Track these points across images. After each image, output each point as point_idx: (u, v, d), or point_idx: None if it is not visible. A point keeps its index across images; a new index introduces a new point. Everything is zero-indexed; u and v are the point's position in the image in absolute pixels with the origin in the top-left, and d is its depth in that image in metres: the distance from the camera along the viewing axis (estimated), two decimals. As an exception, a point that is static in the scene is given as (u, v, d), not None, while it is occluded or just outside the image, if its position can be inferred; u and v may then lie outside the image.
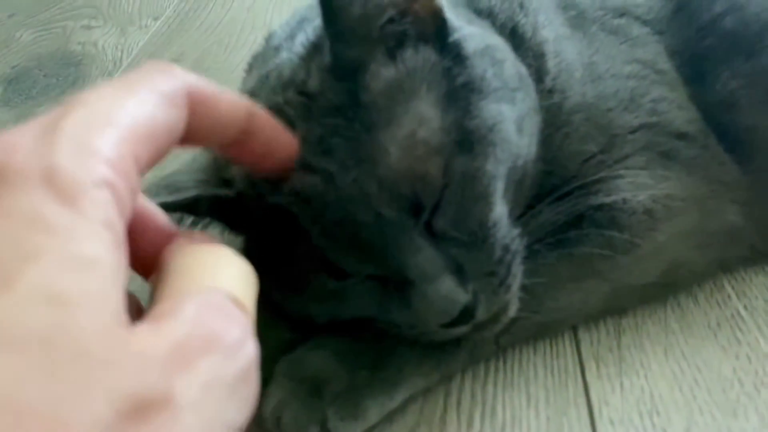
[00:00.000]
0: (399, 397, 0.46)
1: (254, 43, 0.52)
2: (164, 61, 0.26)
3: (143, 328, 0.19)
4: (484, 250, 0.41)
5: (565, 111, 0.48)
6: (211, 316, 0.21)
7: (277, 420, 0.43)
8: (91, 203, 0.19)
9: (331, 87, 0.40)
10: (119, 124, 0.22)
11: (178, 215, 0.41)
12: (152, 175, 0.33)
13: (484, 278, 0.41)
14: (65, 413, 0.16)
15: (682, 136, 0.49)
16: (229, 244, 0.48)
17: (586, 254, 0.47)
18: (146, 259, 0.26)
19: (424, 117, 0.40)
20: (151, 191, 0.39)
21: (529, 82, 0.46)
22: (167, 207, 0.34)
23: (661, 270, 0.49)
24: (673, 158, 0.49)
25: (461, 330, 0.42)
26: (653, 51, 0.52)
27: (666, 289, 0.51)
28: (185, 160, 0.46)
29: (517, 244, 0.42)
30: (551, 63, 0.49)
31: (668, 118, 0.50)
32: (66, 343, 0.17)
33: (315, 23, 0.43)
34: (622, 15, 0.53)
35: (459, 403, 0.47)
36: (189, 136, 0.26)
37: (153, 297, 0.23)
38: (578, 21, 0.52)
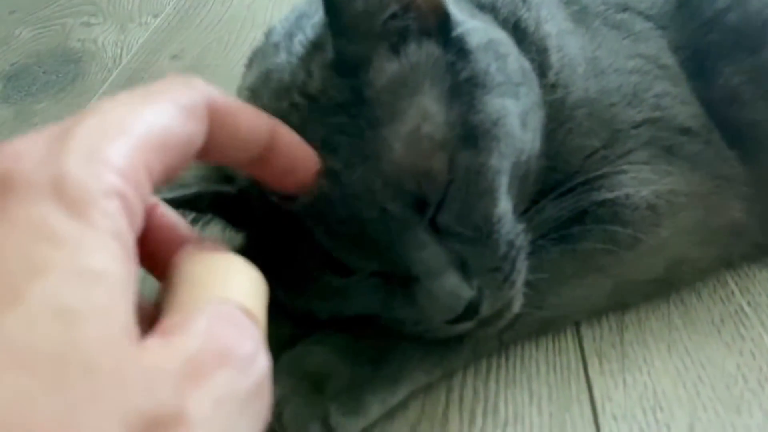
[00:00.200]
0: (401, 393, 0.46)
1: (254, 40, 0.52)
2: (188, 75, 0.25)
3: (154, 342, 0.19)
4: (488, 246, 0.40)
5: (568, 106, 0.48)
6: (223, 329, 0.21)
7: (279, 416, 0.43)
8: (100, 214, 0.19)
9: (333, 84, 0.39)
10: (132, 133, 0.21)
11: (179, 212, 0.41)
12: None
13: (489, 274, 0.40)
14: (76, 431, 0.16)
15: (685, 131, 0.49)
16: (230, 241, 0.48)
17: (589, 250, 0.47)
18: (163, 262, 0.25)
19: (428, 112, 0.39)
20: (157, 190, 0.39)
21: (533, 77, 0.46)
22: (168, 203, 0.33)
23: (664, 266, 0.49)
24: (676, 153, 0.49)
25: (466, 326, 0.42)
26: (656, 46, 0.52)
27: (669, 285, 0.51)
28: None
29: (522, 240, 0.42)
30: (554, 58, 0.49)
31: (671, 114, 0.49)
32: (75, 360, 0.16)
33: (314, 20, 0.43)
34: (624, 10, 0.53)
35: (461, 400, 0.47)
36: (208, 151, 0.25)
37: (163, 307, 0.23)
38: (581, 16, 0.52)
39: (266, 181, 0.31)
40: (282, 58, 0.43)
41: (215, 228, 0.46)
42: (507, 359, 0.49)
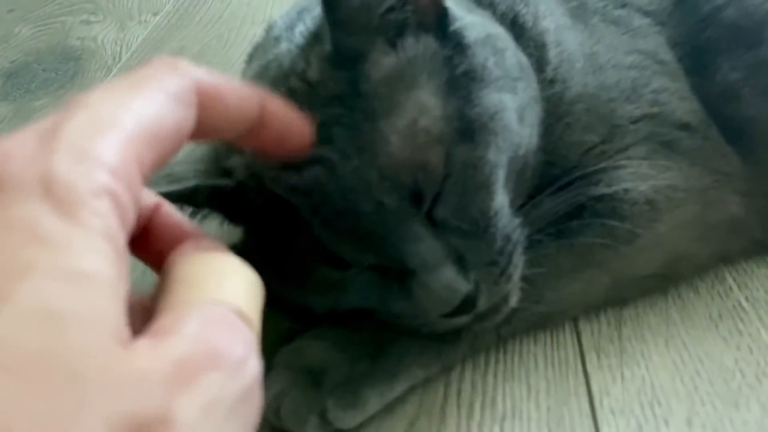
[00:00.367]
0: (399, 388, 0.46)
1: (254, 37, 0.52)
2: (171, 57, 0.25)
3: (143, 343, 0.19)
4: (485, 240, 0.40)
5: (566, 101, 0.48)
6: (213, 332, 0.20)
7: (277, 410, 0.43)
8: (90, 213, 0.19)
9: (331, 76, 0.39)
10: (122, 127, 0.21)
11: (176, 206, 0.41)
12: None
13: (485, 268, 0.40)
14: None
15: (683, 126, 0.49)
16: (228, 235, 0.48)
17: (587, 244, 0.47)
18: (162, 256, 0.25)
19: (425, 106, 0.39)
20: (150, 181, 0.39)
21: (530, 72, 0.46)
22: (166, 197, 0.33)
23: (662, 261, 0.49)
24: (674, 149, 0.49)
25: (462, 320, 0.42)
26: (654, 42, 0.52)
27: (667, 280, 0.51)
28: (184, 149, 0.46)
29: (518, 234, 0.42)
30: (552, 53, 0.49)
31: (670, 109, 0.49)
32: (60, 364, 0.16)
33: (314, 13, 0.43)
34: (623, 6, 0.53)
35: (459, 394, 0.47)
36: (199, 132, 0.25)
37: (156, 307, 0.22)
38: (579, 11, 0.52)
39: (259, 152, 0.32)
40: (283, 47, 0.43)
41: (213, 222, 0.46)
42: (505, 354, 0.49)
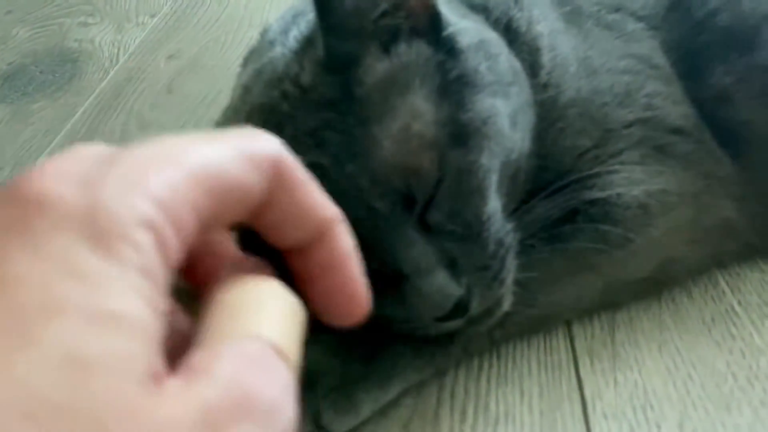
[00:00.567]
0: (393, 391, 0.46)
1: (251, 40, 0.52)
2: (262, 131, 0.22)
3: (174, 385, 0.18)
4: (477, 244, 0.41)
5: (559, 106, 0.48)
6: (248, 374, 0.19)
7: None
8: (130, 247, 0.17)
9: (324, 81, 0.40)
10: (182, 165, 0.19)
11: None
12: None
13: (478, 272, 0.41)
14: None
15: (676, 131, 0.49)
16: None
17: (580, 249, 0.47)
18: (205, 279, 0.23)
19: (418, 111, 0.40)
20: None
21: (524, 77, 0.47)
22: None
23: (656, 265, 0.49)
24: (667, 153, 0.49)
25: (455, 324, 0.42)
26: (648, 46, 0.52)
27: (660, 284, 0.51)
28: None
29: (511, 239, 0.42)
30: (546, 58, 0.49)
31: (663, 113, 0.50)
32: (84, 414, 0.15)
33: (309, 17, 0.43)
34: (617, 10, 0.53)
35: (453, 398, 0.47)
36: (262, 214, 0.22)
37: (194, 337, 0.21)
38: (573, 16, 0.52)
39: (302, 277, 0.25)
40: (277, 51, 0.43)
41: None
42: (499, 358, 0.49)
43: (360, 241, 0.38)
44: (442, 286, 0.39)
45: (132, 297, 0.17)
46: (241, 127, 0.22)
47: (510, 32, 0.49)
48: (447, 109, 0.40)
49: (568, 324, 0.51)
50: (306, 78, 0.40)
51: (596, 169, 0.48)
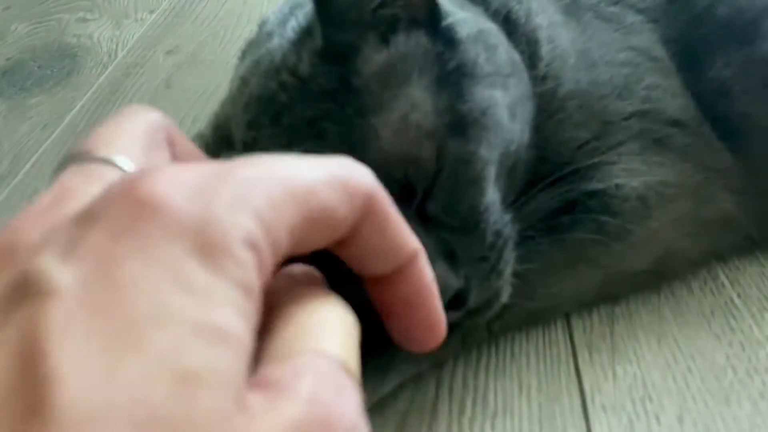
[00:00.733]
0: (390, 383, 0.46)
1: (250, 35, 0.52)
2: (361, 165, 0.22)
3: (259, 401, 0.17)
4: (475, 236, 0.40)
5: (558, 97, 0.48)
6: (327, 394, 0.19)
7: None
8: (234, 263, 0.17)
9: (322, 71, 0.40)
10: (285, 187, 0.20)
11: None
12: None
13: (476, 264, 0.40)
14: None
15: (675, 123, 0.49)
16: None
17: (578, 240, 0.47)
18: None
19: (417, 101, 0.39)
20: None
21: (522, 69, 0.46)
22: None
23: (654, 257, 0.49)
24: (666, 145, 0.49)
25: (453, 316, 0.41)
26: (647, 38, 0.52)
27: (659, 276, 0.51)
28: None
29: (509, 230, 0.42)
30: (545, 49, 0.49)
31: (662, 106, 0.49)
32: (186, 428, 0.15)
33: (306, 8, 0.43)
34: (616, 3, 0.53)
35: (451, 390, 0.47)
36: (345, 245, 0.22)
37: (261, 350, 0.20)
38: (572, 8, 0.52)
39: (381, 304, 0.26)
40: (275, 42, 0.43)
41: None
42: (497, 350, 0.49)
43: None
44: (440, 277, 0.38)
45: (233, 312, 0.17)
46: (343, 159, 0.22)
47: (509, 24, 0.49)
48: (445, 100, 0.40)
49: (567, 317, 0.51)
50: (304, 68, 0.40)
51: (595, 161, 0.48)
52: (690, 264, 0.51)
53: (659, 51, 0.52)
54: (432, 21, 0.42)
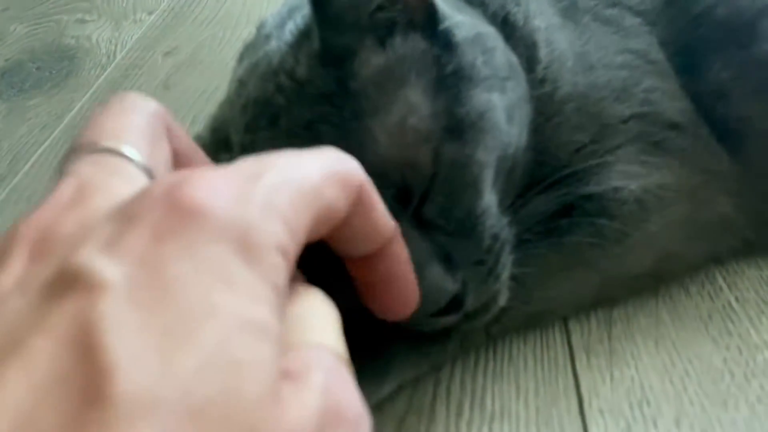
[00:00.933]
0: (388, 387, 0.46)
1: (249, 36, 0.52)
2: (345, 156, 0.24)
3: (287, 392, 0.18)
4: (472, 239, 0.40)
5: (556, 100, 0.48)
6: (335, 385, 0.20)
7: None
8: (269, 266, 0.19)
9: (319, 74, 0.40)
10: (303, 192, 0.21)
11: None
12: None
13: (473, 267, 0.40)
14: None
15: (673, 126, 0.49)
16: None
17: (576, 243, 0.47)
18: None
19: (414, 104, 0.39)
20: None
21: (520, 71, 0.46)
22: None
23: (652, 260, 0.49)
24: (664, 148, 0.49)
25: (451, 319, 0.41)
26: (645, 41, 0.52)
27: (657, 280, 0.51)
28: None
29: (507, 233, 0.42)
30: (543, 52, 0.49)
31: (660, 109, 0.49)
32: (237, 419, 0.16)
33: (305, 11, 0.43)
34: (614, 5, 0.53)
35: (448, 393, 0.47)
36: (336, 231, 0.24)
37: None
38: (570, 11, 0.52)
39: (363, 281, 0.29)
40: (272, 45, 0.43)
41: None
42: (495, 354, 0.49)
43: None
44: (436, 281, 0.39)
45: (269, 309, 0.18)
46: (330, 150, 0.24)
47: (507, 26, 0.49)
48: (443, 103, 0.40)
49: (565, 320, 0.51)
50: (301, 71, 0.40)
51: (592, 162, 0.48)
52: (688, 267, 0.51)
53: (657, 53, 0.52)
54: (430, 24, 0.42)
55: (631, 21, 0.52)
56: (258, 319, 0.18)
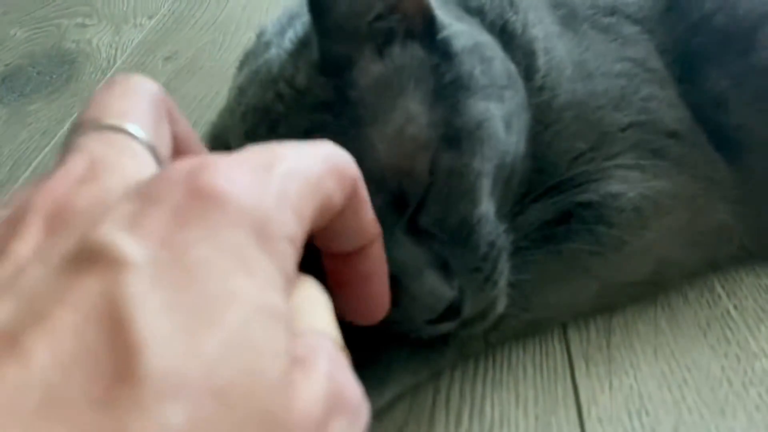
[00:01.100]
0: (387, 395, 0.46)
1: (249, 42, 0.52)
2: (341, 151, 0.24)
3: (298, 376, 0.19)
4: (468, 247, 0.41)
5: (555, 109, 0.48)
6: (336, 372, 0.20)
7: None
8: (282, 254, 0.19)
9: (318, 83, 0.40)
10: (310, 183, 0.21)
11: None
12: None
13: (470, 274, 0.40)
14: None
15: (672, 134, 0.49)
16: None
17: (574, 250, 0.47)
18: None
19: (412, 113, 0.40)
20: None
21: (518, 80, 0.46)
22: None
23: (650, 268, 0.49)
24: (663, 156, 0.49)
25: (448, 326, 0.42)
26: (643, 49, 0.52)
27: (655, 287, 0.51)
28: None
29: (503, 241, 0.42)
30: (541, 61, 0.49)
31: (658, 117, 0.50)
32: (253, 399, 0.17)
33: (304, 19, 0.43)
34: (612, 13, 0.53)
35: (448, 401, 0.47)
36: (329, 225, 0.24)
37: None
38: (568, 19, 0.52)
39: (338, 278, 0.28)
40: (272, 53, 0.43)
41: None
42: (494, 362, 0.49)
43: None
44: (433, 288, 0.39)
45: (282, 295, 0.19)
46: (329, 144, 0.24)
47: (505, 35, 0.49)
48: (441, 113, 0.40)
49: (564, 328, 0.51)
50: (301, 79, 0.40)
51: (590, 169, 0.48)
52: (686, 274, 0.51)
53: (656, 61, 0.52)
54: (428, 33, 0.42)
55: (629, 29, 0.53)
56: (273, 305, 0.18)
